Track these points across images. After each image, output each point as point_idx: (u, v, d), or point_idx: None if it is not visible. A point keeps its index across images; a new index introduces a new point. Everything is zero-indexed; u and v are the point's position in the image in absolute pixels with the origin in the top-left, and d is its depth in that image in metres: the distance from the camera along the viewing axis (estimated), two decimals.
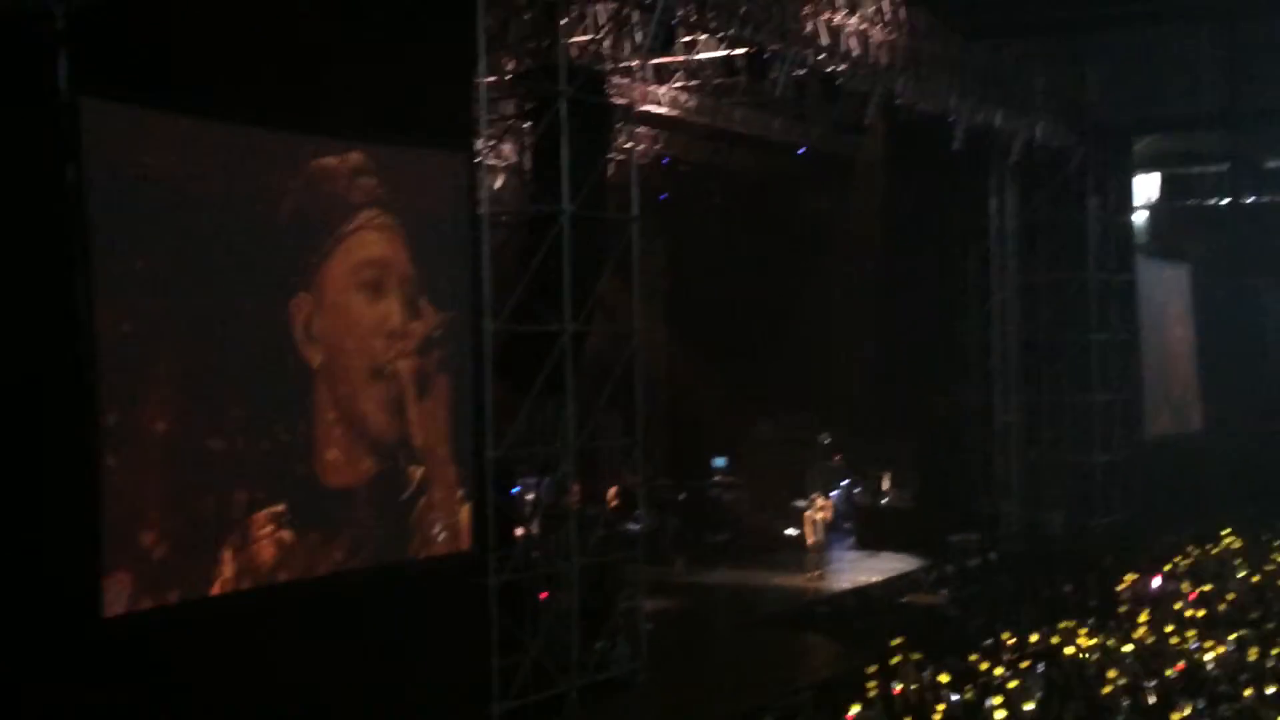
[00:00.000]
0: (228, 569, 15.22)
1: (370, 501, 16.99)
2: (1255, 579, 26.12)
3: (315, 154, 16.23)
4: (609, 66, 21.25)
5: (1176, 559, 28.17)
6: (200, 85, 14.67)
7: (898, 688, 19.01)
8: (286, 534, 15.78)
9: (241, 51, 15.00)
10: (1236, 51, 34.02)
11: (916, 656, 20.13)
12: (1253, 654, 20.08)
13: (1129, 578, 26.19)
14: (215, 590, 15.12)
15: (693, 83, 26.82)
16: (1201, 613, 23.31)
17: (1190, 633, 21.48)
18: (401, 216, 17.22)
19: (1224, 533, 30.50)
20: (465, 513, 18.07)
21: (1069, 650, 20.90)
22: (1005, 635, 21.77)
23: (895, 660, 19.92)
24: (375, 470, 17.08)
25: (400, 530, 17.39)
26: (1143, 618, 22.95)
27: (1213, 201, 40.70)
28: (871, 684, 19.11)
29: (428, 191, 17.68)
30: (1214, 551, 29.35)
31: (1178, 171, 40.49)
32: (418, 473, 17.54)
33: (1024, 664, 19.92)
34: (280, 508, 15.73)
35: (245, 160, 15.48)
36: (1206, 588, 25.25)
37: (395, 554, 17.26)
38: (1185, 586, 25.59)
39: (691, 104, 27.73)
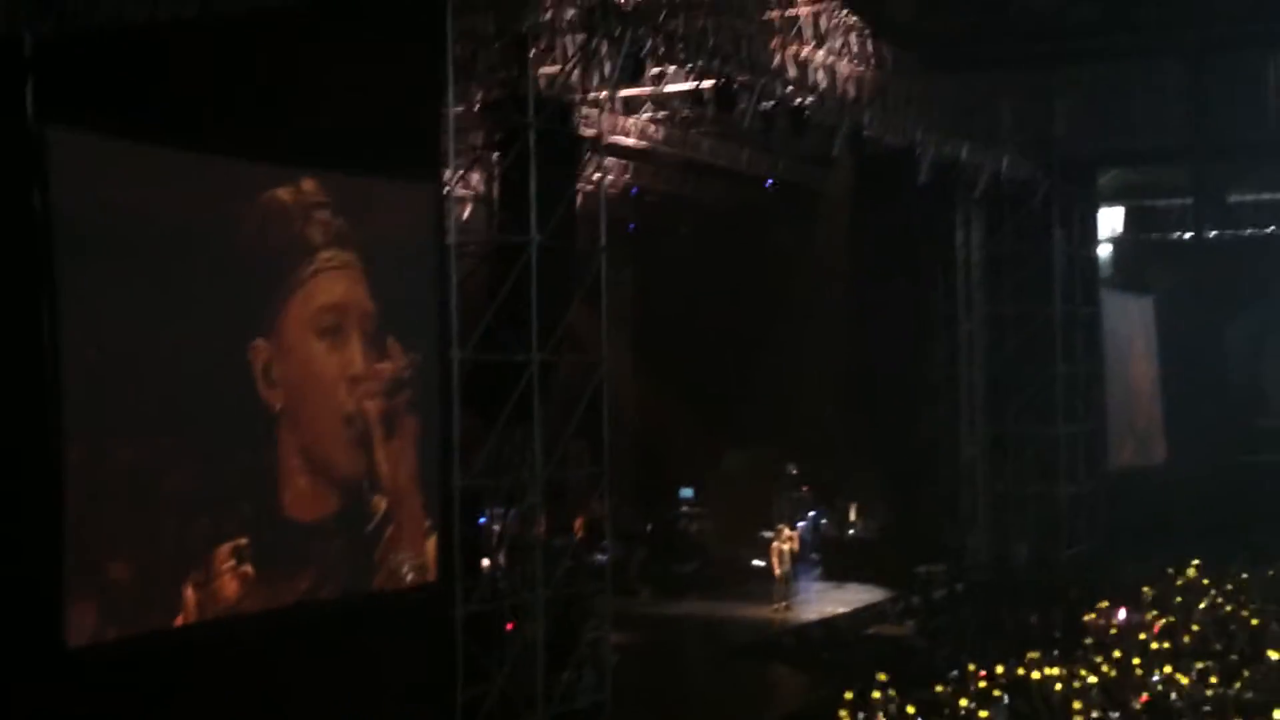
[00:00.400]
0: (191, 602, 15.08)
1: (335, 535, 16.85)
2: (1227, 609, 26.20)
3: (273, 186, 16.09)
4: (577, 97, 21.30)
5: (1141, 590, 28.25)
6: (166, 115, 14.59)
7: None
8: (249, 568, 15.64)
9: (208, 82, 14.94)
10: (1201, 86, 34.27)
11: (878, 691, 20.09)
12: (1213, 686, 20.15)
13: (1094, 609, 26.24)
14: (179, 622, 15.00)
15: (661, 114, 26.93)
16: (1166, 644, 23.36)
17: (1167, 667, 21.48)
18: (363, 253, 17.02)
19: (1188, 565, 30.61)
20: (431, 544, 17.95)
21: (1035, 681, 20.91)
22: (971, 666, 21.76)
23: (861, 693, 19.89)
24: (339, 505, 16.92)
25: (366, 563, 17.26)
26: (1107, 649, 22.99)
27: (1177, 235, 41.00)
28: (841, 715, 19.09)
29: (394, 223, 17.59)
30: (1178, 583, 29.44)
31: (1142, 205, 40.79)
32: (382, 504, 17.41)
33: (990, 695, 19.93)
34: (243, 541, 15.60)
35: (209, 192, 15.32)
36: (1170, 619, 25.32)
37: (361, 586, 17.13)
38: (1150, 618, 25.66)
39: (660, 135, 27.83)
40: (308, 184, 16.37)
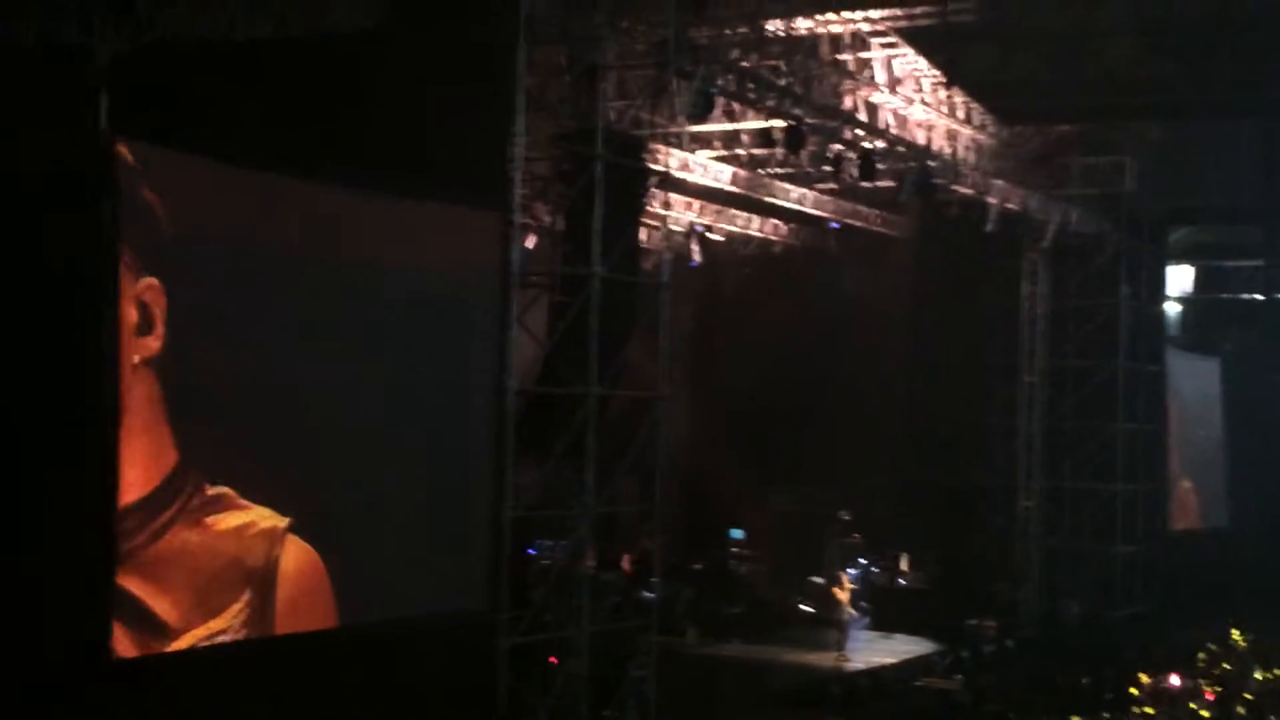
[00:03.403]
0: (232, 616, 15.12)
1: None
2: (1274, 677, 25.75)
3: (348, 205, 16.22)
4: (646, 132, 21.25)
5: (1195, 657, 27.82)
6: (237, 132, 14.67)
7: None
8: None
9: (280, 101, 15.02)
10: (1273, 147, 33.98)
11: None
12: None
13: (1146, 673, 25.84)
14: (225, 639, 14.97)
15: (729, 152, 26.85)
16: (1218, 713, 22.98)
17: None
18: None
19: (1245, 633, 30.12)
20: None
21: None
22: None
23: None
24: None
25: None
26: (1157, 716, 22.62)
27: (1246, 296, 40.57)
28: None
29: (458, 250, 17.65)
30: (1233, 651, 28.97)
31: (1213, 264, 40.41)
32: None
33: None
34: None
35: (277, 208, 15.46)
36: (1222, 688, 24.90)
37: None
38: (1202, 685, 25.24)
39: (727, 173, 27.76)
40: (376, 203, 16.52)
